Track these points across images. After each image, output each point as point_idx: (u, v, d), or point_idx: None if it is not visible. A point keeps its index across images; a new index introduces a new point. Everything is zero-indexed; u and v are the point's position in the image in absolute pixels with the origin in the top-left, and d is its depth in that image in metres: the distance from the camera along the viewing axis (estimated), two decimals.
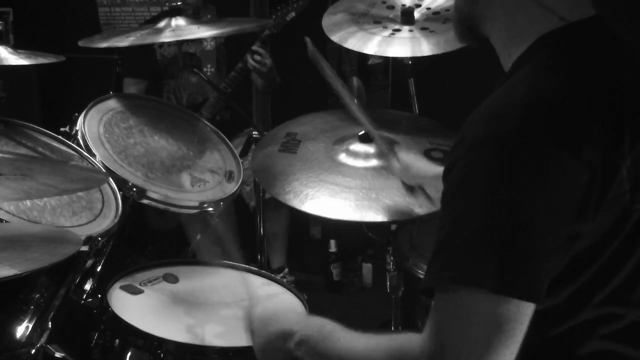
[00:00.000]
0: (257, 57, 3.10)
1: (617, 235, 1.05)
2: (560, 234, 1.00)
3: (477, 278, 0.97)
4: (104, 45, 2.28)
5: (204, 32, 2.32)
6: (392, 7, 2.35)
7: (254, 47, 3.10)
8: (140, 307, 1.85)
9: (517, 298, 0.98)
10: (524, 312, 0.99)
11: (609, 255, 1.06)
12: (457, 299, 1.00)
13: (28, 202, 1.95)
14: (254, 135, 2.50)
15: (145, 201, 2.17)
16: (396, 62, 3.44)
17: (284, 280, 2.23)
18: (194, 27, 2.32)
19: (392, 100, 4.12)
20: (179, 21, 2.37)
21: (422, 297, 2.11)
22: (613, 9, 1.19)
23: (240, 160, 2.47)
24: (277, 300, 1.41)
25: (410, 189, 1.80)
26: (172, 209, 2.22)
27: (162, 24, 2.38)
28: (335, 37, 2.28)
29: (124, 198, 2.12)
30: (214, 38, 3.27)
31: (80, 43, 2.33)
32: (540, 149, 0.98)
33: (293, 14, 3.07)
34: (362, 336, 1.18)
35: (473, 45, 1.25)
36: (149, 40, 2.29)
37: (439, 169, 1.61)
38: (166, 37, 2.32)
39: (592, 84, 1.05)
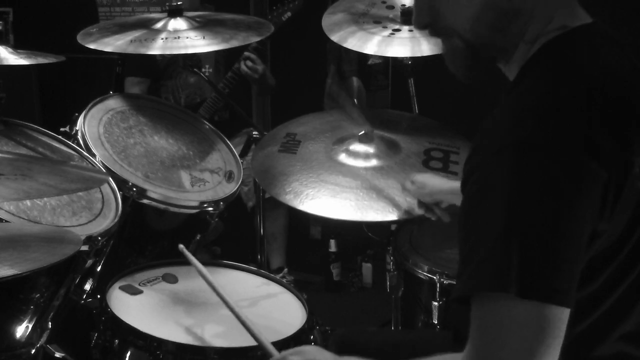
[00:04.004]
0: (249, 64, 3.12)
1: (632, 235, 1.06)
2: (584, 236, 1.00)
3: (502, 283, 0.98)
4: (104, 48, 2.27)
5: (202, 45, 2.27)
6: (392, 7, 2.35)
7: (246, 53, 3.11)
8: (140, 307, 1.85)
9: (544, 302, 0.97)
10: (559, 316, 0.98)
11: (625, 254, 1.06)
12: (491, 308, 1.00)
13: (28, 202, 1.94)
14: (254, 135, 2.50)
15: (145, 201, 2.17)
16: (396, 62, 3.44)
17: (284, 280, 2.23)
18: (192, 33, 2.30)
19: (392, 100, 4.12)
20: (178, 23, 2.36)
21: (422, 297, 2.11)
22: (606, 15, 1.19)
23: (240, 160, 2.47)
24: (302, 351, 1.38)
25: (427, 207, 1.80)
26: (172, 209, 2.22)
27: (159, 24, 2.36)
28: (335, 37, 2.28)
29: (124, 198, 2.12)
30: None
31: (79, 38, 2.33)
32: (559, 154, 0.99)
33: (289, 13, 3.07)
34: None
35: (482, 79, 1.19)
36: (144, 47, 2.25)
37: (455, 184, 1.61)
38: (161, 48, 2.28)
39: (601, 86, 1.06)
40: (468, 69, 1.17)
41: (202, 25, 2.36)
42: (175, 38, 2.27)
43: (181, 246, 1.87)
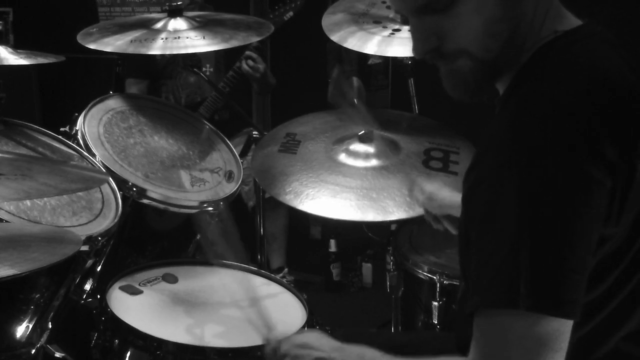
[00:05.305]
0: (250, 62, 3.12)
1: (638, 237, 1.06)
2: (591, 245, 1.00)
3: (512, 299, 0.97)
4: (104, 48, 2.27)
5: (202, 45, 2.27)
6: (391, 7, 2.35)
7: (247, 53, 3.11)
8: (140, 308, 1.85)
9: (554, 315, 0.97)
10: (563, 328, 0.98)
11: (631, 256, 1.06)
12: (497, 322, 1.00)
13: (28, 202, 1.94)
14: (254, 135, 2.50)
15: (145, 201, 2.17)
16: (396, 62, 3.44)
17: (284, 280, 2.23)
18: (192, 33, 2.30)
19: (392, 100, 4.12)
20: (178, 23, 2.36)
21: (422, 297, 2.11)
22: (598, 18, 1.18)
23: (240, 160, 2.47)
24: (306, 334, 1.36)
25: (435, 218, 1.76)
26: (172, 208, 2.22)
27: (159, 24, 2.36)
28: (335, 37, 2.28)
29: (124, 198, 2.12)
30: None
31: (79, 38, 2.32)
32: (567, 163, 0.98)
33: (291, 13, 3.07)
34: None
35: (487, 96, 1.17)
36: (144, 47, 2.25)
37: None
38: (161, 48, 2.27)
39: (599, 89, 1.04)
40: (477, 88, 1.14)
41: (202, 25, 2.36)
42: (175, 38, 2.27)
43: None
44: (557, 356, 0.98)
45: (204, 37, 2.27)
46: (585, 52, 1.08)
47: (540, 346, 0.97)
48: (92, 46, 2.27)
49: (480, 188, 1.05)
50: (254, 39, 2.43)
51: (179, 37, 2.27)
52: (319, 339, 1.31)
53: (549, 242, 0.97)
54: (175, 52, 2.33)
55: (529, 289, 0.96)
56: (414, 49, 1.14)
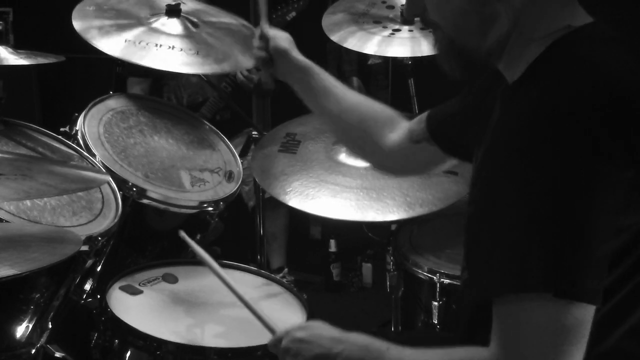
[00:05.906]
0: (245, 73, 3.12)
1: None
2: (610, 233, 1.01)
3: (536, 284, 0.98)
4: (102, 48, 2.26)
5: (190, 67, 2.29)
6: (392, 7, 2.35)
7: None
8: (140, 308, 1.85)
9: (576, 300, 0.98)
10: (587, 314, 0.99)
11: (637, 254, 1.06)
12: (520, 308, 1.00)
13: (28, 202, 1.94)
14: (254, 135, 2.50)
15: (145, 201, 2.17)
16: (396, 62, 3.44)
17: (284, 280, 2.23)
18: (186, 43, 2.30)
19: (392, 100, 4.12)
20: (174, 27, 2.35)
21: (422, 297, 2.11)
22: (607, 15, 1.19)
23: (240, 160, 2.47)
24: (307, 326, 1.34)
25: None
26: (172, 209, 2.22)
27: (155, 24, 2.35)
28: (335, 37, 2.28)
29: (124, 198, 2.12)
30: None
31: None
32: (576, 158, 0.99)
33: (293, 13, 3.07)
34: (416, 352, 1.17)
35: (464, 73, 1.21)
36: (137, 57, 2.25)
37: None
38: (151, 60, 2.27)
39: (613, 86, 1.05)
40: (452, 62, 1.20)
41: (197, 33, 2.35)
42: (169, 48, 2.27)
43: (182, 233, 1.83)
44: (582, 341, 0.99)
45: (197, 53, 2.27)
46: (597, 51, 1.09)
47: (567, 331, 0.98)
48: (91, 39, 2.26)
49: (492, 179, 1.06)
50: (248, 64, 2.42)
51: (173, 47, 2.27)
52: (318, 332, 1.30)
53: (567, 231, 0.98)
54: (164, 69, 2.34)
55: (551, 274, 0.97)
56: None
